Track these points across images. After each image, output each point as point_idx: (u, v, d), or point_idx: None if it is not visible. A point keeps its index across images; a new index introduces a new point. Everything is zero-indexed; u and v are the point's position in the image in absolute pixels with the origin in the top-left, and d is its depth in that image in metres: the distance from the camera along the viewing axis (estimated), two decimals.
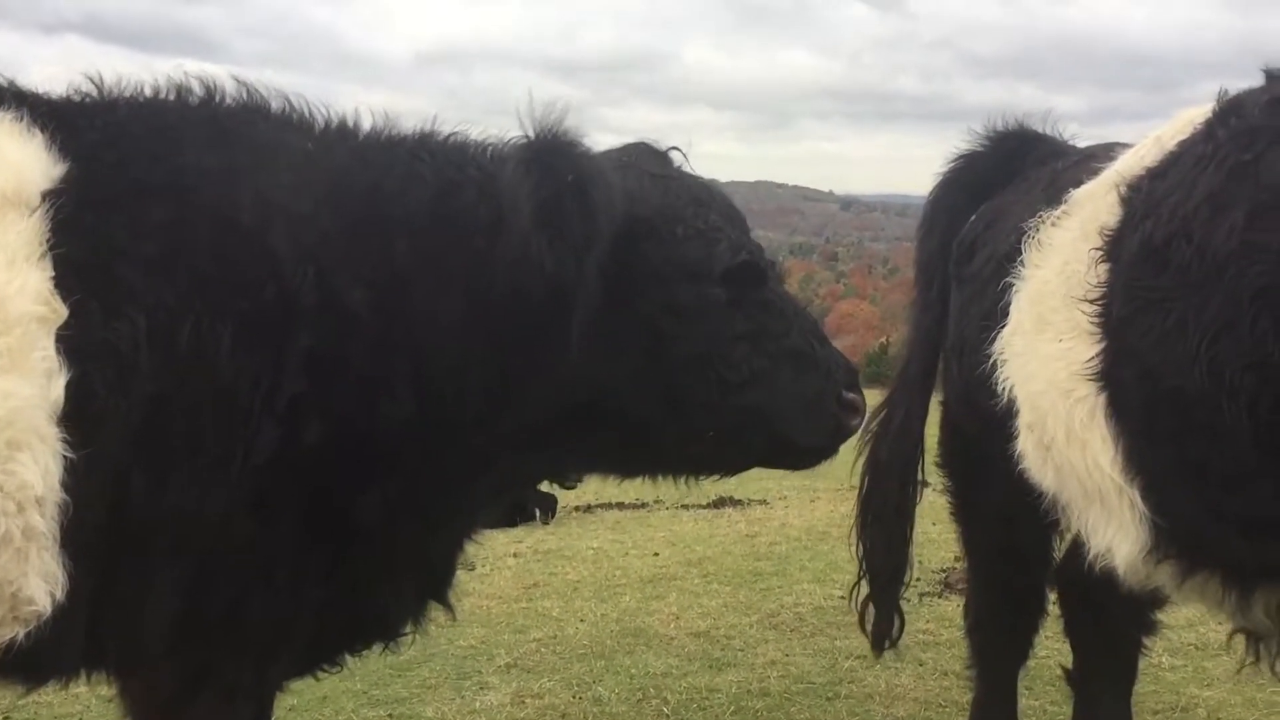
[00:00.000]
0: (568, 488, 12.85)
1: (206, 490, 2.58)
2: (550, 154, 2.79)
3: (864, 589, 4.63)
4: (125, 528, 2.52)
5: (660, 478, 3.26)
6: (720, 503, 12.49)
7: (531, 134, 2.84)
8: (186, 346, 2.53)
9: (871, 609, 4.63)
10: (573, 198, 2.73)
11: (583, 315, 2.79)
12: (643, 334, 2.91)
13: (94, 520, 2.45)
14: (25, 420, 2.34)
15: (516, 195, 2.75)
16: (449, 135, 3.10)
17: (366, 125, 3.09)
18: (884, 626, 4.63)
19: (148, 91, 2.87)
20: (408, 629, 3.20)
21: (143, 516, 2.53)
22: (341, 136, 3.03)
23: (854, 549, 4.65)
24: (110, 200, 2.60)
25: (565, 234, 2.73)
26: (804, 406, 3.03)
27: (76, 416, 2.39)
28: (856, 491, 4.65)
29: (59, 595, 2.41)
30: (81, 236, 2.50)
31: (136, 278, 2.52)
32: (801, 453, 3.15)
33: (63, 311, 2.41)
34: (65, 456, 2.37)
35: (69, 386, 2.38)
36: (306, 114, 3.03)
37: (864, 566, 4.61)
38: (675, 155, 3.24)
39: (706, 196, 3.09)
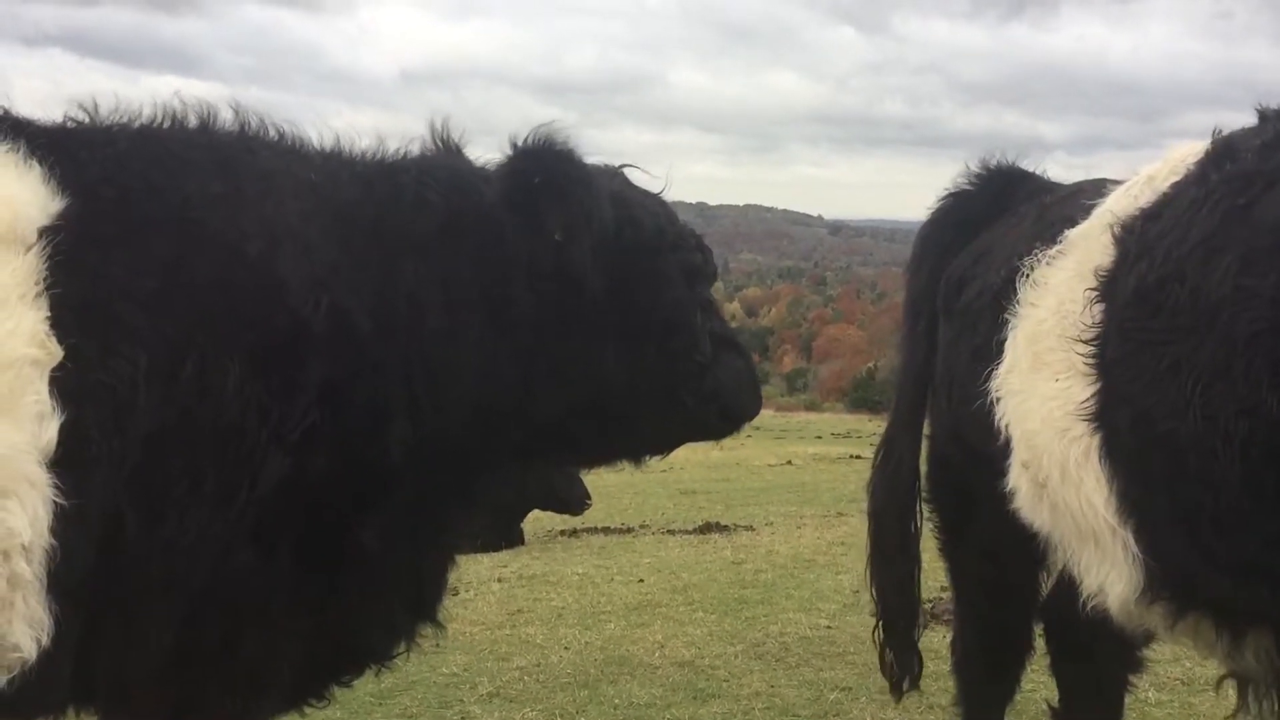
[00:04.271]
0: (574, 513, 12.83)
1: (206, 525, 2.54)
2: (528, 158, 3.01)
3: (882, 632, 4.65)
4: (119, 567, 2.48)
5: (618, 462, 3.56)
6: (706, 528, 12.45)
7: (519, 144, 3.06)
8: (190, 382, 2.49)
9: (890, 651, 4.64)
10: (547, 195, 2.95)
11: (578, 306, 2.99)
12: (656, 334, 3.15)
13: (85, 563, 2.40)
14: (14, 467, 2.28)
15: (498, 199, 2.98)
16: (449, 156, 3.15)
17: (363, 149, 3.10)
18: (904, 668, 4.63)
19: (145, 118, 2.83)
20: (399, 650, 3.19)
21: (137, 555, 2.49)
22: (343, 162, 3.04)
23: (870, 591, 4.69)
24: (111, 236, 2.54)
25: (543, 228, 2.96)
26: (745, 384, 3.43)
27: (69, 460, 2.33)
28: (867, 532, 4.68)
29: (45, 641, 2.36)
30: (80, 275, 2.44)
31: (137, 315, 2.47)
32: (739, 425, 3.51)
33: (57, 353, 2.35)
34: (55, 502, 2.31)
35: (62, 430, 2.32)
36: (303, 140, 3.02)
37: (879, 608, 4.64)
38: (631, 173, 3.43)
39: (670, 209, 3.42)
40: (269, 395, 2.59)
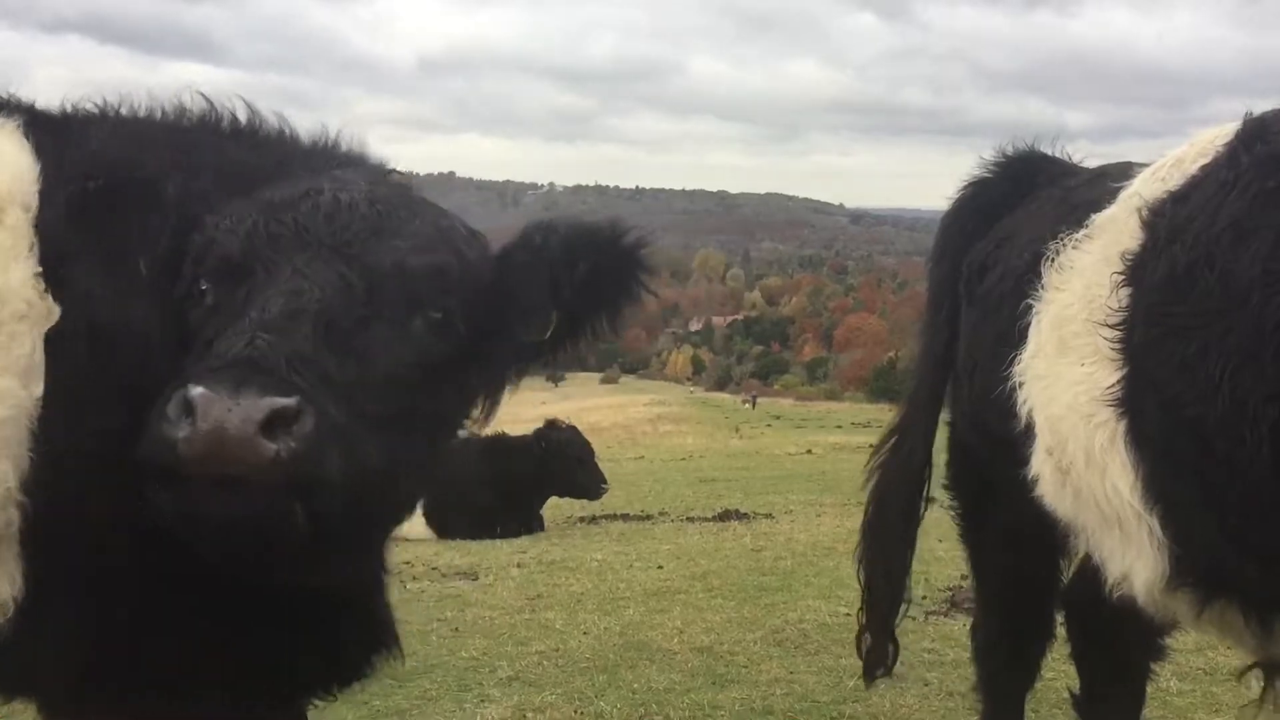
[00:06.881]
0: (592, 498, 12.98)
1: (120, 517, 2.39)
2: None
3: (864, 616, 4.68)
4: (62, 546, 2.41)
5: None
6: (726, 516, 12.50)
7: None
8: (124, 359, 2.44)
9: (867, 636, 4.66)
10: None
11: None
12: None
13: (58, 527, 2.38)
14: (15, 421, 2.31)
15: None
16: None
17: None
18: (879, 654, 4.66)
19: (139, 106, 2.82)
20: (355, 677, 2.95)
21: (72, 538, 2.42)
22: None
23: (857, 573, 4.68)
24: (84, 206, 2.55)
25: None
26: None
27: (50, 419, 2.35)
28: (864, 517, 4.67)
29: (20, 598, 2.35)
30: (58, 239, 2.48)
31: (98, 282, 2.47)
32: None
33: (48, 309, 2.40)
34: (33, 457, 2.33)
35: (47, 387, 2.36)
36: (289, 133, 2.89)
37: (864, 592, 4.65)
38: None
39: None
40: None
